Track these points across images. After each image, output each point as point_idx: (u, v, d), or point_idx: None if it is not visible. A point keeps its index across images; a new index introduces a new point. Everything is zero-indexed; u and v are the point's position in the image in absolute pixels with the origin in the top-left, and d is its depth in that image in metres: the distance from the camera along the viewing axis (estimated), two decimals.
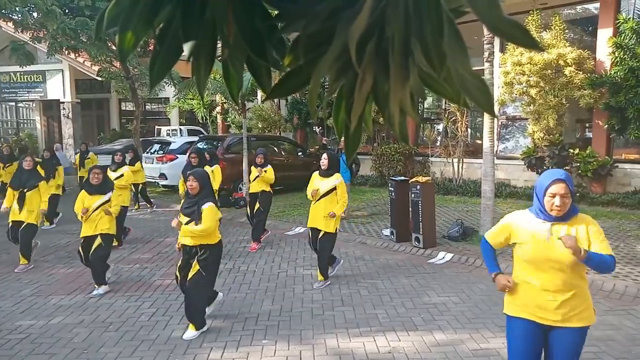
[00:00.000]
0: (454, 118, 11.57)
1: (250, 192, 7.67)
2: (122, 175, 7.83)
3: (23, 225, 6.46)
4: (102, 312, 4.93)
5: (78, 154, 12.08)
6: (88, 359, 3.92)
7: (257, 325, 4.55)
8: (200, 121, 19.22)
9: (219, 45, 0.62)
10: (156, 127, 19.58)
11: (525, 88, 9.52)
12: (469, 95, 0.52)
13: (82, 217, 5.51)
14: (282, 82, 0.58)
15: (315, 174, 5.81)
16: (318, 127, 15.78)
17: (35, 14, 10.83)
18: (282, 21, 0.57)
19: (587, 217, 2.64)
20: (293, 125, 15.53)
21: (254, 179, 7.52)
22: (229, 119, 16.97)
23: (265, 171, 7.40)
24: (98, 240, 5.51)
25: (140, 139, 14.39)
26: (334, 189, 5.58)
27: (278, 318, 4.72)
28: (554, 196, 2.52)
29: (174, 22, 0.56)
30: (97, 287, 5.50)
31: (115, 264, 6.62)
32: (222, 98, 15.12)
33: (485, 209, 7.35)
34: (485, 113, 6.14)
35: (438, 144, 12.60)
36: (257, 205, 7.43)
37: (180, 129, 18.14)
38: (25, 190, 6.51)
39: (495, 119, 9.30)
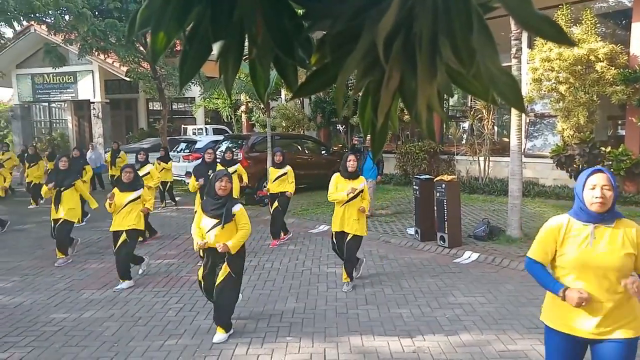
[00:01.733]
0: (480, 115, 11.37)
1: (270, 192, 7.71)
2: (148, 173, 8.04)
3: (60, 222, 6.73)
4: (131, 306, 5.06)
5: (109, 153, 12.41)
6: (118, 352, 4.03)
7: (282, 323, 4.59)
8: (225, 120, 19.46)
9: (246, 45, 0.63)
10: (182, 126, 19.92)
11: (554, 84, 9.28)
12: (498, 91, 0.52)
13: (109, 205, 5.66)
14: (308, 80, 0.58)
15: (338, 176, 5.55)
16: (341, 126, 15.77)
17: (67, 17, 11.16)
18: (308, 20, 0.57)
19: (633, 223, 2.42)
20: (316, 123, 15.56)
21: (275, 179, 7.57)
22: (253, 118, 17.12)
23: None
24: (124, 236, 5.66)
25: (167, 138, 14.66)
26: (361, 192, 5.46)
27: (302, 316, 4.75)
28: (594, 188, 2.35)
29: (203, 23, 0.57)
30: (121, 281, 5.65)
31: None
32: (247, 97, 15.26)
33: (512, 208, 7.21)
34: (513, 110, 5.97)
35: (463, 142, 12.41)
36: (275, 204, 7.49)
37: (206, 128, 18.41)
38: (62, 189, 6.78)
39: (523, 116, 9.09)
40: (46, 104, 22.08)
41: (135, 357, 3.94)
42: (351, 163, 5.52)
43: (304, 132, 15.38)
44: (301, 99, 16.53)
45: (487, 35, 0.49)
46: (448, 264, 6.34)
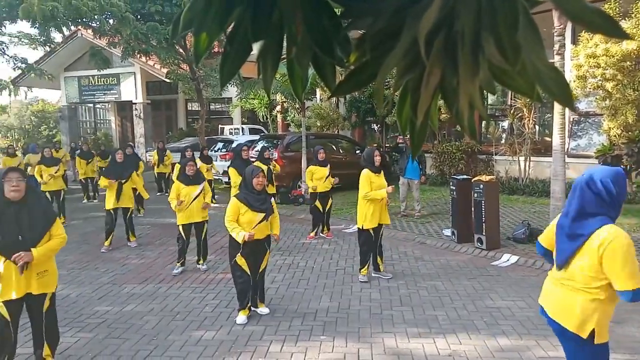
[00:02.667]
0: (520, 114, 11.03)
1: (320, 191, 7.78)
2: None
3: (120, 210, 7.43)
4: (170, 301, 5.20)
5: (155, 151, 12.83)
6: (157, 346, 4.16)
7: (316, 321, 4.60)
8: (261, 120, 19.71)
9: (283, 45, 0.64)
10: (220, 126, 20.32)
11: (600, 82, 8.88)
12: (545, 88, 0.50)
13: (176, 207, 6.01)
14: (347, 79, 0.58)
15: (369, 172, 5.65)
16: (377, 125, 15.66)
17: (111, 21, 11.59)
18: (347, 19, 0.57)
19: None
20: (351, 123, 15.52)
21: (325, 178, 7.66)
22: (288, 118, 17.26)
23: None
24: (205, 225, 6.24)
25: (205, 138, 14.99)
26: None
27: (336, 315, 4.75)
28: None
29: (244, 23, 0.58)
30: (203, 262, 6.35)
31: None
32: (282, 97, 15.40)
33: (554, 210, 6.95)
34: (555, 109, 5.76)
35: (503, 141, 12.07)
36: (330, 201, 7.85)
37: (242, 128, 18.70)
38: (122, 181, 7.37)
39: (567, 115, 8.75)
40: (91, 105, 23.03)
41: (173, 351, 4.05)
42: (378, 158, 5.76)
43: (338, 131, 15.37)
44: (336, 98, 16.53)
45: (533, 30, 0.47)
46: (486, 267, 6.19)
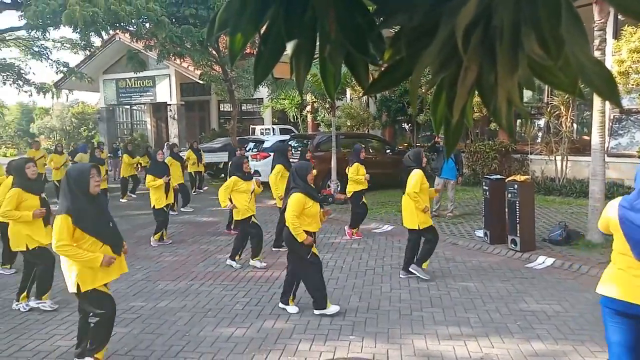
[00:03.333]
0: (557, 112, 10.69)
1: (356, 190, 7.86)
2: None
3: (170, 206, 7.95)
4: (202, 298, 5.31)
5: (190, 151, 13.14)
6: (189, 342, 4.24)
7: (345, 321, 4.60)
8: (292, 120, 19.82)
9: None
10: (251, 126, 20.55)
11: None
12: (589, 83, 0.48)
13: (228, 205, 6.32)
14: (381, 77, 0.58)
15: (422, 173, 5.65)
16: (407, 124, 15.50)
17: (147, 25, 11.91)
18: (381, 16, 0.57)
19: None
20: (381, 122, 15.41)
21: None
22: (318, 118, 17.30)
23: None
24: (254, 219, 6.39)
25: (237, 138, 15.21)
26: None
27: (365, 315, 4.73)
28: None
29: (277, 23, 0.59)
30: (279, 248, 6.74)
31: (214, 254, 7.09)
32: (313, 97, 15.45)
33: (593, 211, 6.70)
34: (595, 106, 5.56)
35: (539, 140, 11.73)
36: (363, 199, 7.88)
37: (273, 128, 18.85)
38: (168, 179, 7.77)
39: (607, 113, 8.42)
40: (128, 106, 23.74)
41: (205, 347, 4.13)
42: (425, 159, 5.91)
43: (368, 131, 15.29)
44: (366, 98, 16.45)
45: (577, 23, 0.46)
46: (520, 269, 6.03)
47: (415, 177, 5.57)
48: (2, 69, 15.93)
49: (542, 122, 12.06)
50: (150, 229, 8.09)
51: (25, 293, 5.11)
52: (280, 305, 4.89)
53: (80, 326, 3.83)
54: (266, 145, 13.96)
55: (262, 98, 19.53)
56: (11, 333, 4.51)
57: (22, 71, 16.41)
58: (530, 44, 0.48)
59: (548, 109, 11.00)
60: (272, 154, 13.21)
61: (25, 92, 16.53)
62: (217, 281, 5.88)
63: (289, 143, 8.67)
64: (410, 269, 5.71)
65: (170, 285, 5.76)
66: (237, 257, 6.42)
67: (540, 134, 12.03)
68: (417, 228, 5.58)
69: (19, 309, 5.04)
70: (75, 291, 3.58)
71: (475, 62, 0.50)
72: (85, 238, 3.54)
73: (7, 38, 16.18)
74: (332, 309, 4.72)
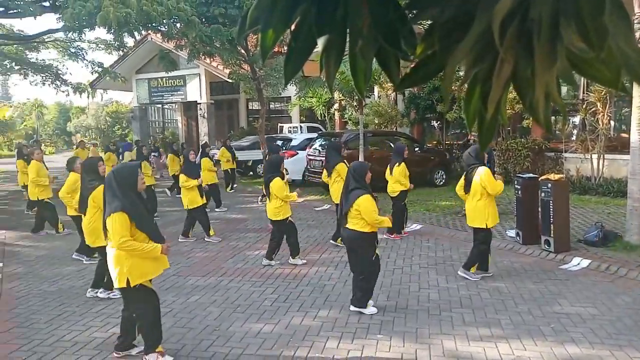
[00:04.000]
0: (593, 109, 10.32)
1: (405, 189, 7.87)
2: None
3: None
4: (231, 294, 5.38)
5: (224, 149, 13.36)
6: (219, 336, 4.32)
7: (372, 320, 4.58)
8: (319, 118, 19.84)
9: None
10: (279, 124, 20.69)
11: None
12: (634, 75, 0.46)
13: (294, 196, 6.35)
14: (413, 71, 0.57)
15: (488, 169, 5.63)
16: (436, 122, 15.28)
17: (178, 25, 12.15)
18: (413, 9, 0.56)
19: None
20: (410, 120, 15.24)
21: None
22: (346, 116, 17.25)
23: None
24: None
25: (265, 136, 15.33)
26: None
27: (393, 314, 4.70)
28: None
29: (308, 19, 0.59)
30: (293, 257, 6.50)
31: (243, 251, 7.19)
32: (340, 95, 15.43)
33: (632, 212, 6.46)
34: (634, 102, 5.32)
35: (573, 137, 11.36)
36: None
37: (301, 126, 18.92)
38: (200, 180, 7.87)
39: None
40: (160, 105, 24.30)
41: (234, 342, 4.19)
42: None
43: (396, 128, 15.16)
44: (394, 95, 16.29)
45: (621, 12, 0.44)
46: (553, 270, 5.86)
47: (487, 175, 5.48)
48: (41, 69, 16.56)
49: (577, 119, 11.67)
50: (181, 226, 8.25)
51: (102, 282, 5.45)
52: (353, 308, 4.78)
53: (125, 319, 3.94)
54: (294, 143, 14.03)
55: (290, 96, 19.62)
56: (51, 324, 4.70)
57: (59, 72, 17.02)
58: (570, 36, 0.46)
59: (584, 106, 10.63)
60: (299, 152, 13.34)
61: (63, 91, 17.20)
62: (246, 277, 5.95)
63: (342, 140, 8.61)
64: (459, 272, 5.68)
65: (200, 281, 5.87)
66: (273, 256, 6.46)
67: (575, 131, 11.65)
68: (484, 227, 5.51)
69: (96, 295, 5.35)
70: (125, 286, 3.67)
71: (512, 55, 0.49)
72: (137, 234, 3.67)
73: (46, 40, 16.81)
74: (372, 309, 4.75)
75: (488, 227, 5.50)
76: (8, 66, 17.33)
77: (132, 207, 3.64)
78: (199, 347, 4.12)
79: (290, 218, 6.41)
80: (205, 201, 8.11)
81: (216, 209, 10.64)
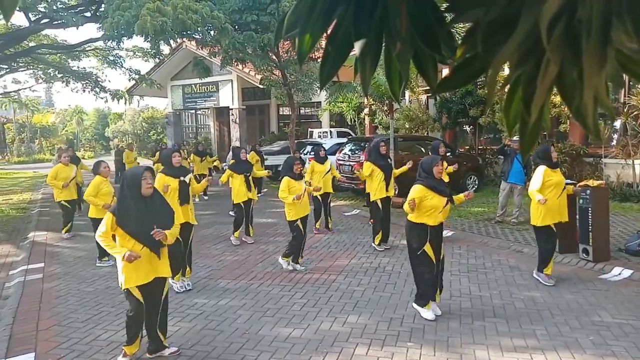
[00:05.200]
0: (635, 112, 9.91)
1: None
2: (330, 169, 8.93)
3: (250, 202, 8.00)
4: (261, 298, 5.42)
5: (252, 153, 13.56)
6: (248, 340, 4.35)
7: (402, 327, 4.51)
8: (349, 123, 19.83)
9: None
10: (309, 129, 20.79)
11: None
12: None
13: (294, 200, 6.26)
14: (452, 74, 0.56)
15: (547, 169, 5.65)
16: (469, 127, 15.00)
17: (212, 32, 12.41)
18: (453, 12, 0.55)
19: None
20: (441, 124, 15.02)
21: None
22: (376, 120, 17.17)
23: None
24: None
25: (295, 141, 15.43)
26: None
27: (424, 322, 4.61)
28: None
29: (345, 22, 0.59)
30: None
31: (272, 255, 7.23)
32: (370, 100, 15.38)
33: None
34: None
35: (613, 143, 10.93)
36: None
37: (331, 131, 18.96)
38: (248, 175, 8.03)
39: None
40: (193, 111, 24.84)
41: (264, 346, 4.21)
42: (555, 154, 5.85)
43: (428, 133, 14.97)
44: (425, 99, 16.11)
45: None
46: (592, 280, 5.64)
47: (536, 173, 5.64)
48: (82, 77, 17.22)
49: (617, 124, 11.23)
50: (213, 229, 8.39)
51: (179, 273, 5.71)
52: (415, 306, 4.81)
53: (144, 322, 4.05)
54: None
55: (320, 101, 19.70)
56: (88, 323, 4.85)
57: (99, 79, 17.65)
58: (620, 36, 0.44)
59: (625, 109, 10.22)
60: (329, 157, 13.34)
61: (102, 98, 17.77)
62: (276, 281, 5.98)
63: (381, 139, 8.62)
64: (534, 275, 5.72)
65: (230, 284, 5.94)
66: (299, 259, 6.48)
67: (615, 136, 11.21)
68: (536, 224, 5.57)
69: (174, 287, 5.62)
70: (121, 287, 3.88)
71: (558, 56, 0.47)
72: (127, 237, 3.79)
73: (87, 49, 17.48)
74: (428, 313, 4.69)
75: (539, 225, 5.57)
76: (52, 74, 18.11)
77: (121, 212, 3.77)
78: (228, 349, 4.16)
79: (299, 222, 6.31)
80: (252, 196, 8.05)
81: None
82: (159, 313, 3.97)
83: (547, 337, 4.21)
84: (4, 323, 4.97)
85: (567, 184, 5.81)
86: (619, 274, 5.73)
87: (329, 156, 13.30)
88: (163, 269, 3.94)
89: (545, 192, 5.50)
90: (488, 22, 0.50)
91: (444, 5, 0.56)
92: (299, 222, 6.33)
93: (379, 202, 7.39)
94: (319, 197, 8.53)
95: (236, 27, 12.57)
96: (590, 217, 6.09)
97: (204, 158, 13.68)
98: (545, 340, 4.14)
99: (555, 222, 5.54)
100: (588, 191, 6.16)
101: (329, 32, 0.61)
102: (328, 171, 8.77)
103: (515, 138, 8.60)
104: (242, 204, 7.97)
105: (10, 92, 24.92)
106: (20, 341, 4.51)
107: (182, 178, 5.82)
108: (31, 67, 18.58)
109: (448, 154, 12.77)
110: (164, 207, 4.05)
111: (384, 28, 0.57)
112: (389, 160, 7.87)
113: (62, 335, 4.55)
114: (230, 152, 11.74)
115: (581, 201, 6.26)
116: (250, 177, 8.06)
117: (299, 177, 6.52)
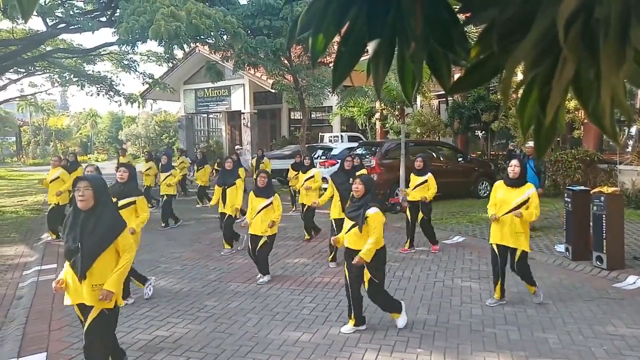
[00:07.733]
0: None
1: (410, 199, 7.61)
2: (312, 177, 8.69)
3: (226, 217, 7.72)
4: (270, 301, 5.42)
5: (254, 159, 13.59)
6: (258, 343, 4.34)
7: (412, 333, 4.48)
8: (360, 128, 19.82)
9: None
10: (320, 133, 20.82)
11: None
12: None
13: (242, 221, 6.20)
14: (467, 74, 0.55)
15: (500, 183, 5.23)
16: (481, 132, 14.91)
17: (225, 37, 12.52)
18: (467, 12, 0.55)
19: None
20: (453, 129, 14.94)
21: (415, 187, 7.44)
22: (387, 125, 17.14)
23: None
24: (264, 239, 6.09)
25: (306, 145, 15.46)
26: (526, 201, 4.93)
27: (434, 328, 4.58)
28: None
29: (358, 23, 0.59)
30: (262, 276, 6.16)
31: (282, 259, 7.23)
32: (382, 104, 15.37)
33: None
34: None
35: (629, 149, 10.77)
36: (420, 215, 7.40)
37: (342, 136, 18.96)
38: (226, 187, 7.77)
39: None
40: (205, 115, 25.04)
41: (272, 349, 4.20)
42: (512, 169, 5.02)
43: (439, 138, 14.90)
44: (437, 104, 16.04)
45: None
46: (606, 289, 5.54)
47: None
48: (97, 81, 17.46)
49: (633, 130, 11.07)
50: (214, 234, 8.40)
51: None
52: None
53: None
54: (334, 152, 14.05)
55: (332, 106, 19.72)
56: None
57: (113, 83, 17.88)
58: (638, 36, 0.44)
59: None
60: (340, 161, 13.34)
61: (116, 102, 18.04)
62: (285, 285, 5.98)
63: (349, 154, 8.64)
64: None
65: (240, 287, 5.95)
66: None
67: (631, 142, 11.05)
68: None
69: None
70: None
71: (575, 55, 0.46)
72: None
73: (102, 53, 17.73)
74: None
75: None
76: (67, 78, 18.38)
77: (64, 224, 3.49)
78: (238, 352, 4.16)
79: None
80: (225, 210, 7.80)
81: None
82: (85, 339, 3.31)
83: (560, 345, 4.14)
84: (17, 322, 5.03)
85: (519, 206, 4.92)
86: (634, 282, 5.63)
87: (339, 160, 13.35)
88: (91, 298, 3.26)
89: (494, 209, 5.13)
90: (503, 21, 0.49)
91: (457, 5, 0.55)
92: (334, 223, 6.47)
93: (333, 222, 6.65)
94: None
95: (249, 31, 12.67)
96: (604, 224, 6.01)
97: (200, 168, 13.35)
98: (557, 349, 4.07)
99: (497, 242, 5.03)
100: (602, 198, 6.08)
101: (342, 32, 0.61)
102: (308, 179, 8.70)
103: (530, 143, 8.57)
104: (220, 214, 7.91)
105: (27, 95, 25.32)
106: (33, 341, 4.55)
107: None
108: (47, 71, 18.89)
109: (460, 159, 12.69)
110: (101, 227, 3.28)
111: (398, 28, 0.57)
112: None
113: (74, 336, 4.59)
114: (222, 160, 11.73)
115: (595, 208, 6.17)
116: (227, 189, 7.71)
117: (261, 192, 6.35)
